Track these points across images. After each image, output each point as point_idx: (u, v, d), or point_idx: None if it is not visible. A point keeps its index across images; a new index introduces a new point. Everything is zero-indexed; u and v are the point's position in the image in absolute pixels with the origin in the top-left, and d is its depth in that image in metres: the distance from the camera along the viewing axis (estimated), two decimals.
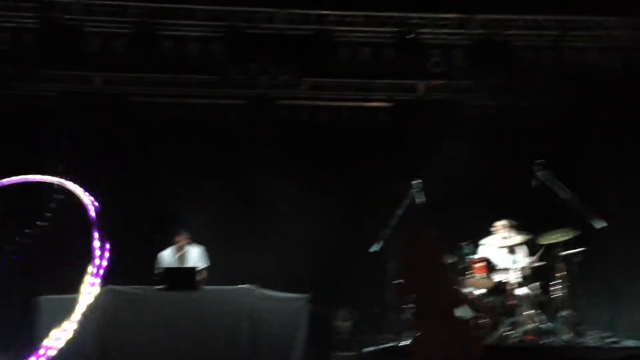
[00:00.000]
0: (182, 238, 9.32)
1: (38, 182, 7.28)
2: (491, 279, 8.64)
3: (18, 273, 8.95)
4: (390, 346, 8.03)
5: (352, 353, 8.76)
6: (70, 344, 6.14)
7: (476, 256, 8.78)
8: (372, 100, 11.10)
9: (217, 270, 9.24)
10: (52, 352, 6.03)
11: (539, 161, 8.67)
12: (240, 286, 8.24)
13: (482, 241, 9.11)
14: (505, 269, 8.69)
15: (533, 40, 10.44)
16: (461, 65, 10.55)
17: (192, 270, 8.58)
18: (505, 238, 8.90)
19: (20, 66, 9.88)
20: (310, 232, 9.75)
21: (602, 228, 8.33)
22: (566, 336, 8.05)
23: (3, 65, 9.89)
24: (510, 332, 8.16)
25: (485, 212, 9.42)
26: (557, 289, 8.44)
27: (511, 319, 8.30)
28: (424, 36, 10.43)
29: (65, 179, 6.91)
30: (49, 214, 8.57)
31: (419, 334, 6.91)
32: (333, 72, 10.60)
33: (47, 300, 7.92)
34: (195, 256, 9.28)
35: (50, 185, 7.33)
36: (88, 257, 6.32)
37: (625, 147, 10.26)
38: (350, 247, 9.84)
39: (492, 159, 10.29)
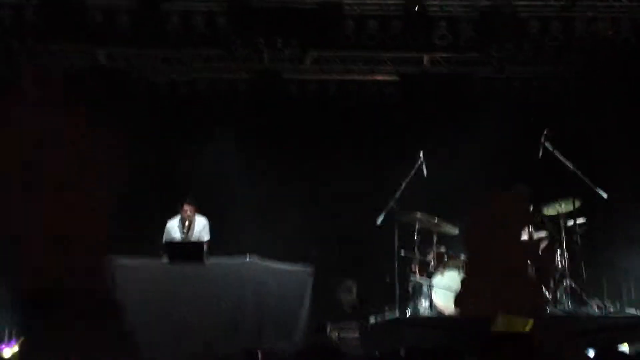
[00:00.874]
0: (188, 208, 9.32)
1: None
2: None
3: None
4: (395, 318, 8.05)
5: (357, 323, 8.80)
6: None
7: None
8: (379, 73, 11.06)
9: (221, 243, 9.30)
10: None
11: (547, 130, 8.60)
12: (244, 260, 8.23)
13: None
14: None
15: (541, 10, 10.27)
16: (469, 37, 10.43)
17: (201, 244, 8.64)
18: None
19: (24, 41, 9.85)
20: (315, 205, 9.76)
21: (608, 199, 8.28)
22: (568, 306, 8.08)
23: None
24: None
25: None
26: (560, 259, 8.43)
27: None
28: (430, 8, 10.31)
29: None
30: None
31: (471, 284, 6.89)
32: (339, 45, 10.51)
33: None
34: (200, 228, 9.32)
35: None
36: None
37: (635, 119, 10.15)
38: (356, 220, 9.84)
39: (499, 131, 10.22)
